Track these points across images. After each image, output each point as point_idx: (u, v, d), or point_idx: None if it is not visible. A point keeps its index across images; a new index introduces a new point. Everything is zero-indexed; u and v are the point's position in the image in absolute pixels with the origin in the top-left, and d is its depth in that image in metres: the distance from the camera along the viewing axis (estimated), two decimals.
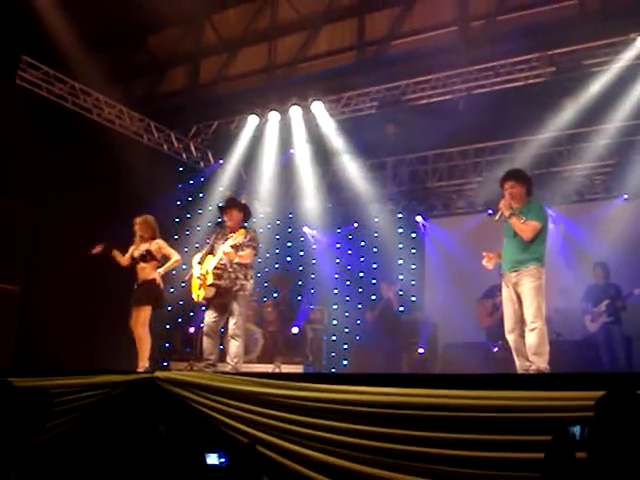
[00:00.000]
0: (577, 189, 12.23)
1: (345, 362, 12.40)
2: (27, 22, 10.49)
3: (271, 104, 12.35)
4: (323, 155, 12.99)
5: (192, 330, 12.14)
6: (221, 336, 8.23)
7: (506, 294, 6.88)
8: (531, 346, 6.54)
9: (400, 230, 13.62)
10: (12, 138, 9.80)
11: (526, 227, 6.74)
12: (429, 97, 11.52)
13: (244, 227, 8.13)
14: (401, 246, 13.51)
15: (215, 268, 7.87)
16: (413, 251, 13.71)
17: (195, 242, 12.51)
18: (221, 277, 7.87)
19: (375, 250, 13.70)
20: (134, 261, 8.43)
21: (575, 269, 11.43)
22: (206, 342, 7.99)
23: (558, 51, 10.35)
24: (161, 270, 8.42)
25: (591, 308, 10.34)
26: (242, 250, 7.88)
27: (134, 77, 13.99)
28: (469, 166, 12.67)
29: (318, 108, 12.09)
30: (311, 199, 13.48)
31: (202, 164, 14.01)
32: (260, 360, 11.57)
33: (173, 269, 8.77)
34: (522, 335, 6.67)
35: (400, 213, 13.72)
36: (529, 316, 6.57)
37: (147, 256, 8.37)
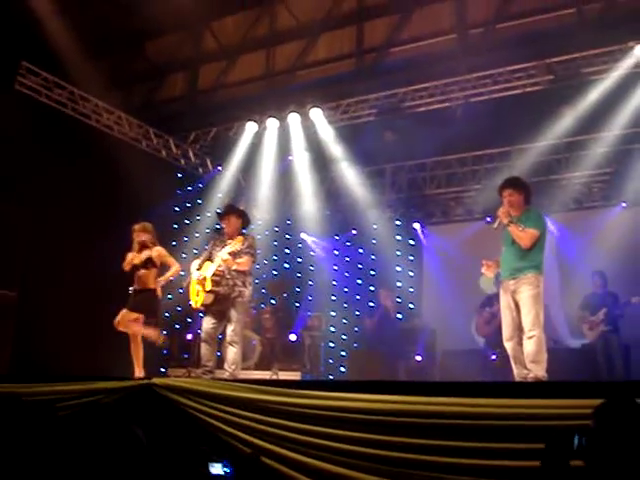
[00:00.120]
0: (575, 197, 12.22)
1: (343, 369, 12.38)
2: (27, 28, 10.51)
3: (270, 111, 12.36)
4: (321, 162, 13.00)
5: (190, 336, 12.13)
6: (219, 343, 8.21)
7: (504, 302, 6.88)
8: (529, 354, 6.53)
9: (398, 237, 13.63)
10: (11, 143, 9.81)
11: (524, 235, 6.74)
12: (427, 105, 11.54)
13: (242, 234, 8.13)
14: (399, 253, 13.51)
15: (213, 275, 7.86)
16: (411, 258, 13.70)
17: (193, 248, 12.51)
18: (219, 284, 7.86)
19: (373, 257, 13.71)
20: (134, 267, 8.41)
21: (573, 277, 11.44)
22: (204, 348, 7.97)
23: (556, 59, 10.39)
24: (162, 280, 8.42)
25: (589, 316, 10.34)
26: (240, 257, 7.88)
27: (133, 83, 14.03)
28: (467, 174, 12.67)
29: (316, 115, 12.11)
30: (309, 206, 13.48)
31: (200, 170, 14.02)
32: (258, 367, 11.58)
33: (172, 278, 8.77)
34: (520, 343, 6.67)
35: (398, 220, 13.73)
36: (527, 324, 6.57)
37: (148, 263, 8.37)
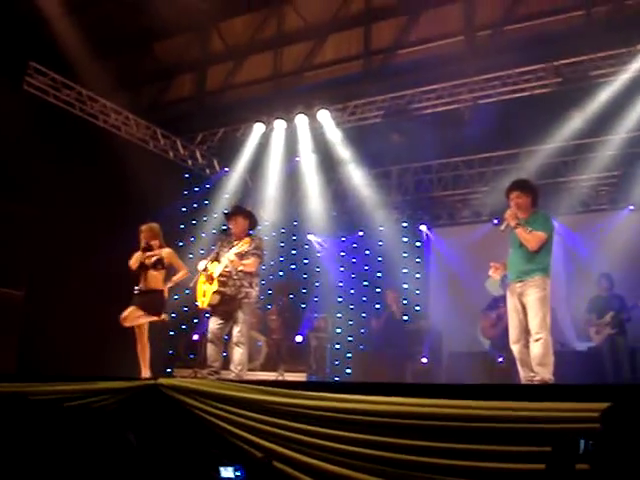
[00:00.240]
0: (582, 200, 12.19)
1: (349, 371, 12.37)
2: (35, 28, 10.54)
3: (277, 112, 12.36)
4: (328, 163, 12.99)
5: (196, 337, 12.14)
6: (225, 343, 8.22)
7: (511, 304, 6.87)
8: (536, 357, 6.52)
9: (405, 239, 13.62)
10: (19, 143, 9.84)
11: (531, 237, 6.73)
12: (435, 107, 11.52)
13: (249, 235, 8.14)
14: (406, 255, 13.49)
15: (220, 275, 7.87)
16: (418, 260, 13.68)
17: (200, 249, 12.51)
18: (226, 284, 7.87)
19: (380, 259, 13.70)
20: (143, 267, 8.42)
21: (579, 280, 11.41)
22: (210, 349, 7.97)
23: (564, 62, 10.36)
24: (170, 283, 8.46)
25: (595, 319, 10.31)
26: (247, 258, 7.88)
27: (141, 84, 14.05)
28: (474, 176, 12.66)
29: (324, 117, 12.10)
30: (316, 207, 13.47)
31: (208, 171, 14.02)
32: (264, 368, 11.57)
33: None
34: (527, 346, 6.66)
35: (405, 222, 13.72)
36: (534, 327, 6.56)
37: (158, 264, 8.39)
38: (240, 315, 7.84)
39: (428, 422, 5.08)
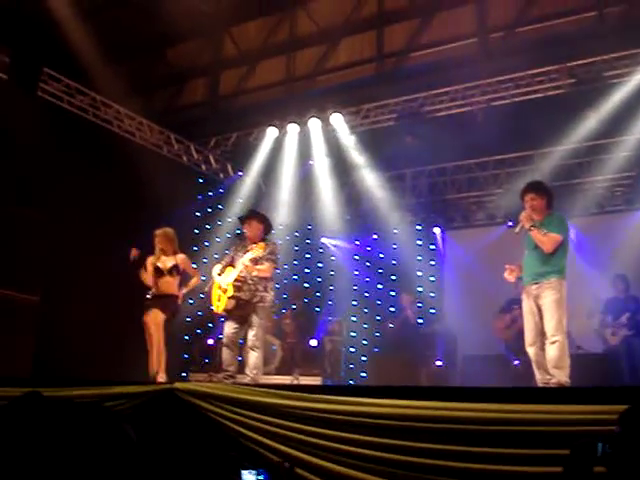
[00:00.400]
0: (597, 201, 12.12)
1: (363, 374, 12.35)
2: (48, 35, 10.59)
3: (290, 116, 12.36)
4: (342, 167, 12.98)
5: (211, 341, 12.16)
6: (240, 347, 8.23)
7: (527, 307, 6.84)
8: (552, 359, 6.50)
9: (419, 242, 13.59)
10: (33, 149, 9.89)
11: (547, 239, 6.71)
12: (448, 109, 11.49)
13: (264, 240, 8.14)
14: (420, 258, 13.47)
15: (235, 280, 7.88)
16: (432, 263, 13.64)
17: (214, 253, 12.52)
18: (241, 289, 7.88)
19: (394, 262, 13.67)
20: (159, 272, 8.45)
21: (595, 281, 11.35)
22: (225, 353, 7.99)
23: (577, 63, 10.30)
24: (185, 289, 8.50)
25: (611, 321, 10.26)
26: (261, 264, 7.90)
27: (154, 89, 14.10)
28: (488, 178, 12.62)
29: (337, 120, 12.09)
30: (330, 210, 13.47)
31: (221, 175, 14.05)
32: (278, 372, 11.57)
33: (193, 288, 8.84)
34: (543, 348, 6.63)
35: (419, 225, 13.69)
36: (550, 329, 6.53)
37: (173, 270, 8.43)
38: (255, 319, 7.85)
39: (444, 425, 5.07)
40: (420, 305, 12.69)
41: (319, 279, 14.18)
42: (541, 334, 6.65)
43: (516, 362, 10.12)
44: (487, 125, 11.01)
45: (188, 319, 12.04)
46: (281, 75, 13.22)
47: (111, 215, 11.14)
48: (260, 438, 6.05)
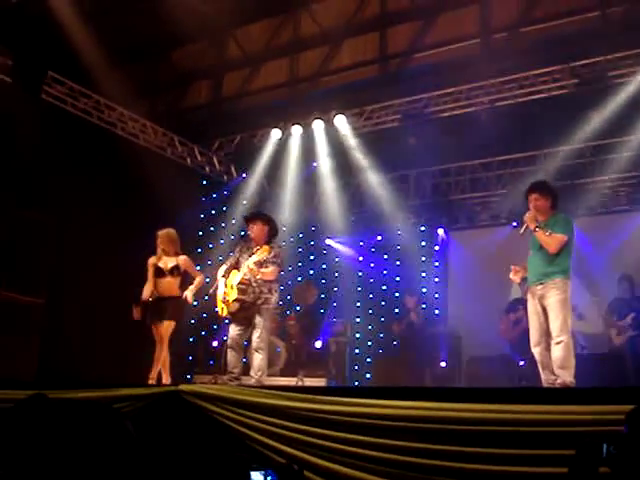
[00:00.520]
0: (602, 201, 12.09)
1: (368, 375, 12.33)
2: (52, 38, 10.60)
3: (294, 118, 12.35)
4: (346, 168, 12.96)
5: (215, 343, 12.15)
6: (245, 349, 8.24)
7: (531, 307, 6.84)
8: (557, 359, 6.49)
9: (423, 243, 13.56)
10: (37, 152, 9.91)
11: (551, 240, 6.71)
12: (452, 110, 11.48)
13: (268, 243, 8.14)
14: (424, 259, 13.44)
15: (239, 283, 7.89)
16: (436, 264, 13.61)
17: (218, 255, 12.53)
18: (245, 292, 7.89)
19: (398, 263, 13.64)
20: (160, 273, 8.47)
21: (599, 282, 11.33)
22: (230, 355, 8.00)
23: (581, 63, 10.29)
24: (193, 290, 8.49)
25: (616, 321, 10.24)
26: (266, 267, 7.90)
27: (158, 91, 14.12)
28: (492, 178, 12.59)
29: (341, 121, 12.08)
30: (334, 212, 13.45)
31: (225, 177, 14.04)
32: (283, 373, 11.56)
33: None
34: (548, 348, 6.63)
35: (423, 226, 13.66)
36: (555, 329, 6.53)
37: (175, 271, 8.45)
38: (259, 321, 7.86)
39: (449, 426, 5.06)
40: (424, 306, 12.66)
41: (323, 280, 14.17)
42: (546, 334, 6.65)
43: (521, 362, 10.11)
44: (491, 125, 11.00)
45: (192, 321, 12.03)
46: (284, 77, 13.24)
47: (115, 218, 11.16)
48: (265, 440, 6.05)
